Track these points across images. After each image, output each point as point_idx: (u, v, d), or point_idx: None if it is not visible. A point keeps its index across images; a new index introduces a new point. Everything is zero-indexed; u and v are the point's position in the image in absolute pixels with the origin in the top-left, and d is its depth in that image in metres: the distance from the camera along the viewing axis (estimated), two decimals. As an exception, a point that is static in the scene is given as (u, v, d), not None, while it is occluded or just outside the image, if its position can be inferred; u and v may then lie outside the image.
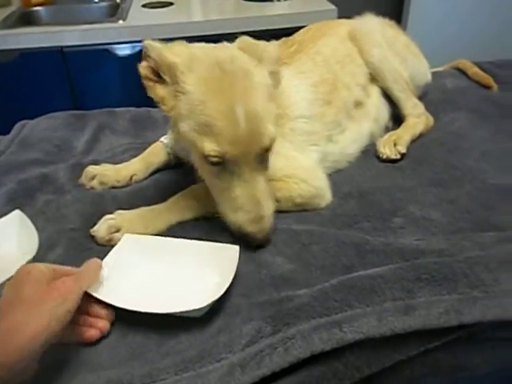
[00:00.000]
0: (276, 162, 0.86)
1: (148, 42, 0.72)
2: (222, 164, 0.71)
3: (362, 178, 0.94)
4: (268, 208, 0.75)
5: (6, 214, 0.78)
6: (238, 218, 0.74)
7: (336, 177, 0.94)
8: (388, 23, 1.14)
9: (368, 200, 0.87)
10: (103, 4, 2.24)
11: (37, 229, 0.75)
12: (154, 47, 0.72)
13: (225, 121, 0.68)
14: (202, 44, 0.79)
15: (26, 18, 2.07)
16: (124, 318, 0.64)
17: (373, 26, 1.09)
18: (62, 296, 0.54)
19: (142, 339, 0.63)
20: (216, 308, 0.65)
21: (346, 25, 1.10)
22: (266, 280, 0.70)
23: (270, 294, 0.67)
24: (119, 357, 0.61)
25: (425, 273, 0.64)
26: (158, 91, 0.73)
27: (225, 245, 0.73)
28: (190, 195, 0.85)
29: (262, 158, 0.73)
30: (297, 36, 1.05)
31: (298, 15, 2.03)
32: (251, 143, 0.70)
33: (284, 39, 1.05)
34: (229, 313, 0.65)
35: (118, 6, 2.16)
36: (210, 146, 0.69)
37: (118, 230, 0.79)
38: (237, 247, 0.71)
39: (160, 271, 0.70)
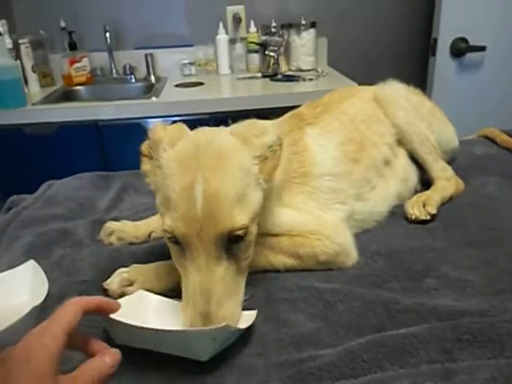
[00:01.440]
0: (298, 217, 0.84)
1: (155, 123, 0.75)
2: (178, 244, 0.66)
3: (391, 238, 0.89)
4: (218, 306, 0.62)
5: (21, 264, 0.77)
6: (186, 310, 0.64)
7: (363, 236, 0.89)
8: (412, 90, 1.15)
9: (397, 260, 0.82)
10: (139, 84, 2.39)
11: (50, 280, 0.73)
12: (155, 127, 0.74)
13: (182, 197, 0.64)
14: (205, 128, 0.77)
15: (68, 96, 2.22)
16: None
17: (397, 91, 1.10)
18: None
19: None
20: (229, 367, 0.58)
21: (370, 89, 1.12)
22: (286, 339, 0.64)
23: (291, 354, 0.60)
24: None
25: (465, 333, 0.57)
26: (145, 165, 0.75)
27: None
28: None
29: (225, 246, 0.65)
30: (321, 99, 1.07)
31: (322, 92, 2.10)
32: (207, 225, 0.63)
33: (309, 102, 1.06)
34: (243, 373, 0.58)
35: (152, 85, 2.31)
36: (166, 221, 0.65)
37: (131, 284, 0.76)
38: (254, 312, 0.66)
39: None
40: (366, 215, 0.94)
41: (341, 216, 0.89)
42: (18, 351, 0.47)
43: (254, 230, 0.70)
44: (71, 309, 0.53)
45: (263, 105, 2.01)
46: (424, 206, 0.96)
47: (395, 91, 1.10)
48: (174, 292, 0.74)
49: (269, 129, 0.86)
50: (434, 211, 0.95)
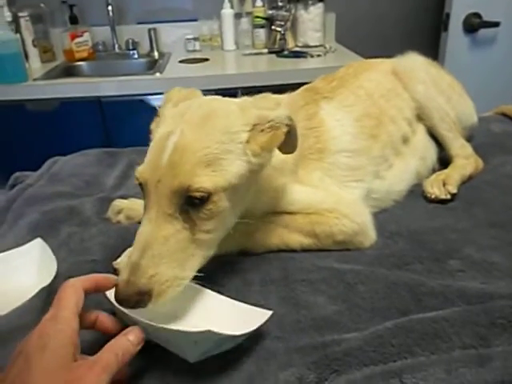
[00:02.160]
0: (315, 195, 0.80)
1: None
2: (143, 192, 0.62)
3: (410, 218, 0.86)
4: (152, 263, 0.56)
5: (27, 243, 0.73)
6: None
7: (380, 216, 0.86)
8: (431, 62, 1.10)
9: (419, 241, 0.78)
10: (142, 60, 2.33)
11: (58, 260, 0.70)
12: (170, 90, 0.74)
13: (156, 145, 0.62)
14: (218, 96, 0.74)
15: (69, 72, 2.17)
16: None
17: (416, 63, 1.05)
18: None
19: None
20: (247, 350, 0.56)
21: (388, 62, 1.07)
22: (305, 322, 0.61)
23: (312, 338, 0.57)
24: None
25: (499, 317, 0.54)
26: (152, 124, 0.72)
27: (256, 308, 0.60)
28: None
29: (180, 205, 0.59)
30: (336, 73, 1.02)
31: (330, 69, 2.04)
32: (166, 177, 0.58)
33: (323, 76, 1.02)
34: (262, 357, 0.56)
35: (155, 61, 2.24)
36: (138, 167, 0.64)
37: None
38: (269, 312, 0.58)
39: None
40: (383, 194, 0.90)
41: (358, 193, 0.86)
42: (33, 340, 0.45)
43: (223, 202, 0.61)
44: (72, 291, 0.51)
45: (269, 81, 1.95)
46: (444, 184, 0.93)
47: (414, 64, 1.06)
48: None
49: (282, 103, 0.83)
50: (454, 190, 0.91)
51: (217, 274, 0.71)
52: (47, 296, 0.61)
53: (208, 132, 0.62)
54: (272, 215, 0.79)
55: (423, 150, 1.00)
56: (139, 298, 0.55)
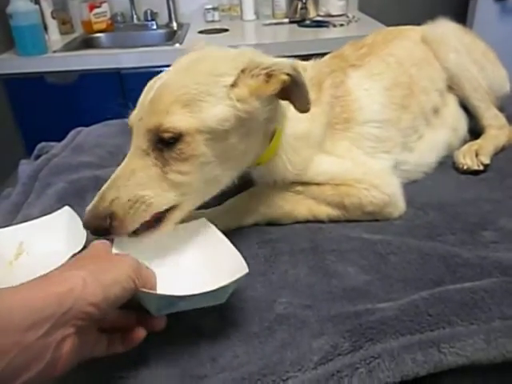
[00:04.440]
0: (342, 165, 0.78)
1: None
2: None
3: (441, 189, 0.84)
4: (114, 190, 0.58)
5: (55, 211, 0.74)
6: None
7: (410, 187, 0.83)
8: (464, 29, 1.05)
9: (450, 212, 0.76)
10: (161, 31, 2.30)
11: (85, 228, 0.70)
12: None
13: (146, 88, 0.64)
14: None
15: (88, 43, 2.15)
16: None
17: (448, 31, 1.01)
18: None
19: (192, 351, 0.54)
20: (277, 318, 0.56)
21: (418, 29, 1.03)
22: (336, 292, 0.60)
23: (343, 307, 0.57)
24: (165, 370, 0.52)
25: (540, 288, 0.52)
26: None
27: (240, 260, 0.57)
28: (248, 198, 0.77)
29: (154, 143, 0.59)
30: (366, 39, 0.98)
31: (352, 38, 1.97)
32: (145, 116, 0.60)
33: (351, 42, 0.98)
34: (293, 324, 0.55)
35: (174, 32, 2.21)
36: None
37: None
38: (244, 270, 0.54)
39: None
40: (412, 166, 0.88)
41: (387, 165, 0.83)
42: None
43: (198, 146, 0.59)
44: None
45: (290, 52, 1.89)
46: (476, 155, 0.90)
47: (446, 31, 1.01)
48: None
49: (307, 69, 0.80)
50: (487, 161, 0.88)
51: (246, 243, 0.70)
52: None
53: (190, 73, 0.62)
54: (300, 186, 0.78)
55: (454, 120, 0.97)
56: (101, 222, 0.57)
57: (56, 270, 0.47)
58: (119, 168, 0.61)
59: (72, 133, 1.12)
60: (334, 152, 0.79)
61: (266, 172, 0.76)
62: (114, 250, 0.57)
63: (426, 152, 0.90)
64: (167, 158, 0.59)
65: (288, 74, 0.62)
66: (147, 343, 0.53)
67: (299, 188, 0.78)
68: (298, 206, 0.77)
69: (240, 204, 0.77)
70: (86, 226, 0.59)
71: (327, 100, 0.80)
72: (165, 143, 0.59)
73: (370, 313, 0.53)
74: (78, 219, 0.70)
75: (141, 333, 0.51)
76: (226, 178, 0.67)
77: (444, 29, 1.01)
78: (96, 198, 0.59)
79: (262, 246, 0.70)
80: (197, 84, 0.60)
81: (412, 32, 1.02)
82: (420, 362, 0.46)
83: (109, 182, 0.60)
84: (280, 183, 0.77)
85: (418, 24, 1.07)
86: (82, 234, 0.66)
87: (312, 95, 0.68)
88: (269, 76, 0.62)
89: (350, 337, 0.50)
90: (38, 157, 1.03)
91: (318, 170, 0.78)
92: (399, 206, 0.78)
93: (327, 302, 0.58)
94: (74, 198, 0.82)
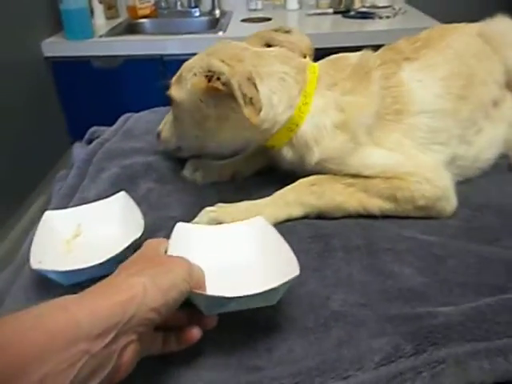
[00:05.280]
0: (392, 158, 0.77)
1: None
2: None
3: (499, 191, 0.81)
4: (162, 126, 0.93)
5: (109, 196, 0.75)
6: None
7: (464, 187, 0.81)
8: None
9: (510, 215, 0.74)
10: (204, 18, 2.30)
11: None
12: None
13: None
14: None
15: (132, 29, 2.17)
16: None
17: (508, 27, 0.97)
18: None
19: (246, 342, 0.54)
20: (332, 315, 0.55)
21: (474, 25, 0.99)
22: (391, 292, 0.59)
23: (401, 308, 0.56)
24: (222, 360, 0.53)
25: None
26: None
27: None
28: (298, 189, 0.77)
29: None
30: (421, 34, 0.96)
31: (399, 31, 1.93)
32: None
33: (405, 37, 0.95)
34: (349, 322, 0.55)
35: (217, 20, 2.21)
36: None
37: (219, 224, 0.73)
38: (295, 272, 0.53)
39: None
40: (469, 161, 0.85)
41: (441, 159, 0.81)
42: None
43: (175, 108, 0.84)
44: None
45: (333, 43, 1.87)
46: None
47: (506, 27, 0.97)
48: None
49: (351, 63, 0.80)
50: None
51: (297, 237, 0.70)
52: (136, 248, 0.62)
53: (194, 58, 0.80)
54: (351, 178, 0.77)
55: (512, 116, 0.93)
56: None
57: (116, 276, 0.47)
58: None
59: (122, 118, 1.13)
60: (384, 144, 0.78)
61: (288, 156, 0.80)
62: (170, 247, 0.57)
63: (484, 147, 0.87)
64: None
65: (223, 83, 0.68)
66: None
67: (350, 180, 0.77)
68: (349, 198, 0.76)
69: (289, 195, 0.77)
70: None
71: (376, 91, 0.78)
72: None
73: (432, 316, 0.52)
74: (134, 204, 0.72)
75: (196, 333, 0.51)
76: (210, 143, 0.82)
77: (504, 26, 0.97)
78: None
79: (315, 241, 0.70)
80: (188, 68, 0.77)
81: (468, 28, 0.98)
82: (487, 370, 0.45)
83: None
84: (308, 169, 0.78)
85: (467, 18, 1.03)
86: (138, 220, 0.67)
87: (347, 85, 0.77)
88: (208, 78, 0.71)
89: (412, 339, 0.49)
90: (89, 140, 1.05)
91: (366, 162, 0.77)
92: (452, 200, 0.76)
93: (383, 302, 0.58)
94: (127, 183, 0.84)
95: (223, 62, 0.70)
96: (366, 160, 0.76)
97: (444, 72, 0.84)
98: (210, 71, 0.70)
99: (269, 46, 0.84)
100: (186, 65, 0.80)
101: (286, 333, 0.55)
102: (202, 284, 0.52)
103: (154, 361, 0.51)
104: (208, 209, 0.76)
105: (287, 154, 0.79)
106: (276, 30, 0.89)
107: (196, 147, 0.86)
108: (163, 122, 0.90)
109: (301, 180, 0.78)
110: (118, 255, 0.59)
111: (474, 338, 0.47)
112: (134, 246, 0.62)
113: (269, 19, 2.15)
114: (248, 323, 0.56)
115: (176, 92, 0.79)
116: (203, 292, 0.51)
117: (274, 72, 0.75)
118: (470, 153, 0.85)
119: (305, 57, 0.84)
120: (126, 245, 0.60)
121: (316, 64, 0.82)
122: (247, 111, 0.67)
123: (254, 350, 0.53)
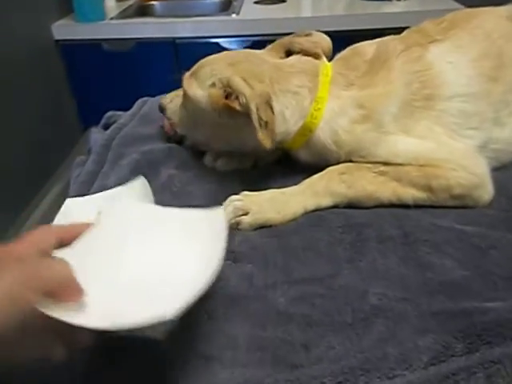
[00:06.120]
0: (423, 145, 0.74)
1: None
2: None
3: (538, 179, 0.77)
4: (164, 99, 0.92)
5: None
6: None
7: (501, 175, 0.77)
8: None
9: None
10: (216, 0, 2.24)
11: (163, 202, 0.68)
12: None
13: None
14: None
15: (143, 11, 2.12)
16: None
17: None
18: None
19: (283, 337, 0.52)
20: (373, 310, 0.53)
21: (502, 8, 0.94)
22: (432, 285, 0.57)
23: (444, 303, 0.53)
24: (257, 356, 0.50)
25: None
26: None
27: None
28: (328, 178, 0.74)
29: None
30: (446, 16, 0.91)
31: (416, 13, 1.87)
32: None
33: (430, 19, 0.91)
34: (391, 318, 0.52)
35: (230, 2, 2.15)
36: None
37: (245, 213, 0.70)
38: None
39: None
40: (504, 144, 0.81)
41: (475, 144, 0.77)
42: None
43: (183, 102, 0.83)
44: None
45: (349, 26, 1.82)
46: None
47: None
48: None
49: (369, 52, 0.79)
50: None
51: (328, 226, 0.67)
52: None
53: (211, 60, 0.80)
54: (383, 166, 0.74)
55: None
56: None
57: None
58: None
59: (138, 102, 1.10)
60: (413, 132, 0.75)
61: (306, 158, 0.79)
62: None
63: None
64: None
65: (241, 103, 0.68)
66: (235, 324, 0.51)
67: (382, 168, 0.74)
68: (381, 187, 0.73)
69: (318, 184, 0.74)
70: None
71: (398, 77, 0.75)
72: None
73: (480, 312, 0.49)
74: (150, 191, 0.69)
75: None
76: (217, 145, 0.83)
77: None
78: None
79: (346, 231, 0.67)
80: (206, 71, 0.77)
81: (496, 11, 0.93)
82: (545, 371, 0.42)
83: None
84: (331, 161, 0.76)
85: (491, 2, 0.98)
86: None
87: (364, 81, 0.75)
88: (226, 93, 0.71)
89: (463, 338, 0.46)
90: (106, 125, 1.02)
91: (394, 151, 0.73)
92: (489, 188, 0.73)
93: (424, 297, 0.55)
94: (148, 170, 0.80)
95: (245, 81, 0.69)
96: (395, 148, 0.73)
97: (475, 53, 0.80)
98: (229, 87, 0.70)
99: (290, 52, 0.83)
100: (203, 63, 0.78)
101: (323, 328, 0.52)
102: (70, 288, 0.41)
103: (187, 359, 0.49)
104: (233, 197, 0.73)
105: (304, 155, 0.80)
106: (297, 36, 0.86)
107: (202, 143, 0.85)
108: (168, 97, 0.88)
109: (330, 168, 0.75)
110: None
111: (530, 336, 0.45)
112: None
113: (283, 1, 2.09)
114: (282, 316, 0.54)
115: (190, 88, 0.78)
116: (58, 316, 0.39)
117: (289, 88, 0.75)
118: (504, 135, 0.81)
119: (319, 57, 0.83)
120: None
121: (329, 64, 0.80)
122: (261, 135, 0.68)
123: (290, 344, 0.51)
